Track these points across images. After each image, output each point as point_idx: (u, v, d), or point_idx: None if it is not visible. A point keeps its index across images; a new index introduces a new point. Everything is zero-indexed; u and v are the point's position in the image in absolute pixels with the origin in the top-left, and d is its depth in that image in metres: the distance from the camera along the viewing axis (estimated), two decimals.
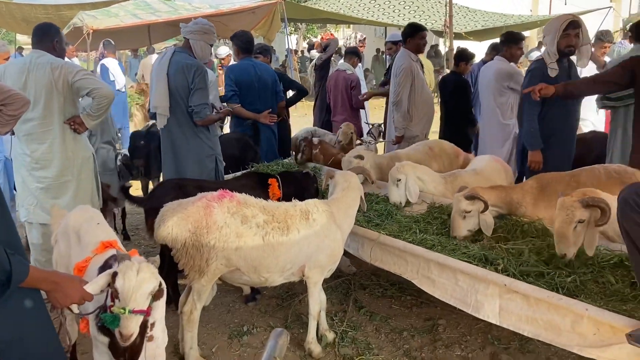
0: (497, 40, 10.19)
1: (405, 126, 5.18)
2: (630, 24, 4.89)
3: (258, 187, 3.73)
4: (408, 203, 3.72)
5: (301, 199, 3.23)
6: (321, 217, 3.02)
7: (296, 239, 2.91)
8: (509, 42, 5.10)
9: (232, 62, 8.22)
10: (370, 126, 6.64)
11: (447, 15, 5.96)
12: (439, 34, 14.07)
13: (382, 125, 6.58)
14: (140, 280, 1.83)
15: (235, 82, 4.91)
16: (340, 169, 4.77)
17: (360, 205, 3.29)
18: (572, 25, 3.92)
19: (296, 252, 2.93)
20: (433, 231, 3.33)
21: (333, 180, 3.34)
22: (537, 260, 2.74)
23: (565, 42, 3.95)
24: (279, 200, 3.71)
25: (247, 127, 5.03)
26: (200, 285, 2.82)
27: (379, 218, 3.65)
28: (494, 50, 6.33)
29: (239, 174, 4.28)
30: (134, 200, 3.73)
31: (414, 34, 5.26)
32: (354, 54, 6.54)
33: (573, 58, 4.14)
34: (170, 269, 3.14)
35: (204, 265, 2.75)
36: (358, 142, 5.95)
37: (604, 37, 5.88)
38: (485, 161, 4.18)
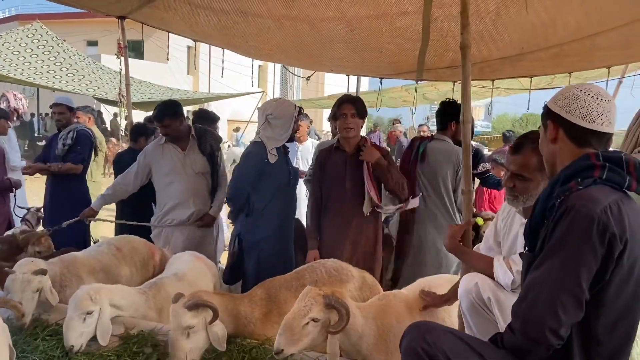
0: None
1: None
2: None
3: None
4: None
5: None
6: None
7: None
8: (206, 121, 4.66)
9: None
10: (26, 211, 5.14)
11: (124, 84, 5.13)
12: (114, 103, 13.09)
13: (42, 210, 5.18)
14: None
15: None
16: None
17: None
18: (299, 111, 3.78)
19: None
20: None
21: None
22: None
23: (295, 127, 3.75)
24: None
25: None
26: None
27: None
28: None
29: None
30: None
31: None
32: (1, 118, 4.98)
33: None
34: None
35: None
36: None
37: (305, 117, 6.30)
38: (186, 261, 3.46)
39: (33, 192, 5.79)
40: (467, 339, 1.70)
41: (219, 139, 4.30)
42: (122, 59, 5.12)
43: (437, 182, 3.92)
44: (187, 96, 16.44)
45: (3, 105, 5.17)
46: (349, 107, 3.57)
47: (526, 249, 1.78)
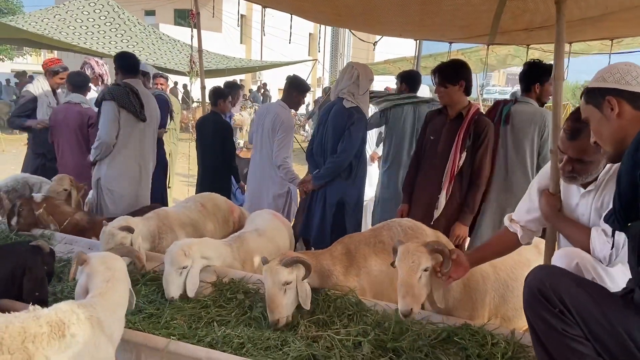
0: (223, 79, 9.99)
1: None
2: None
3: None
4: None
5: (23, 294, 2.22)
6: (84, 329, 1.96)
7: None
8: (297, 88, 4.72)
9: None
10: None
11: (195, 52, 5.29)
12: (172, 72, 13.48)
13: None
14: None
15: None
16: (79, 233, 3.64)
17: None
18: None
19: None
20: (233, 320, 2.59)
21: (87, 267, 2.27)
22: (373, 351, 2.30)
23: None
24: None
25: None
26: None
27: (152, 306, 2.73)
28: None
29: None
30: None
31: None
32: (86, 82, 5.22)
33: None
34: None
35: None
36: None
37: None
38: (266, 219, 3.64)
39: None
40: (591, 288, 1.72)
41: (108, 96, 4.17)
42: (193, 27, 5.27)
43: (523, 146, 3.85)
44: (241, 64, 16.64)
45: (88, 72, 5.44)
46: (436, 76, 3.63)
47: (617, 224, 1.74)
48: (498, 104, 4.13)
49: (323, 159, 4.05)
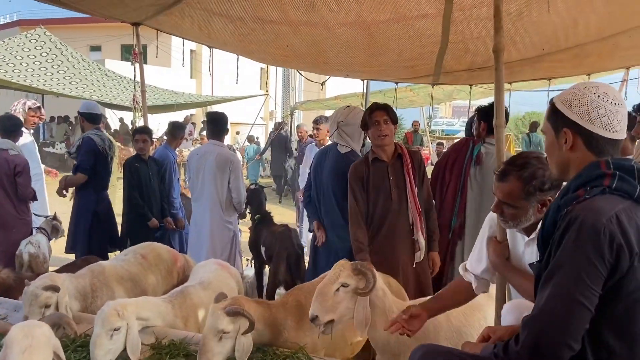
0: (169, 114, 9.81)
1: None
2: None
3: None
4: None
5: None
6: None
7: None
8: (220, 121, 4.61)
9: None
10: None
11: (139, 90, 5.11)
12: (119, 107, 13.17)
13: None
14: None
15: None
16: (5, 293, 3.35)
17: None
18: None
19: None
20: None
21: (5, 340, 2.03)
22: None
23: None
24: None
25: None
26: None
27: None
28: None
29: None
30: None
31: None
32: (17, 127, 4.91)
33: None
34: None
35: None
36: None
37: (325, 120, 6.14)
38: (212, 270, 3.44)
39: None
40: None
41: None
42: (137, 65, 5.12)
43: (489, 187, 3.66)
44: (191, 99, 16.48)
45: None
46: (381, 114, 3.43)
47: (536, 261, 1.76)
48: (467, 141, 4.03)
49: (319, 202, 3.97)
